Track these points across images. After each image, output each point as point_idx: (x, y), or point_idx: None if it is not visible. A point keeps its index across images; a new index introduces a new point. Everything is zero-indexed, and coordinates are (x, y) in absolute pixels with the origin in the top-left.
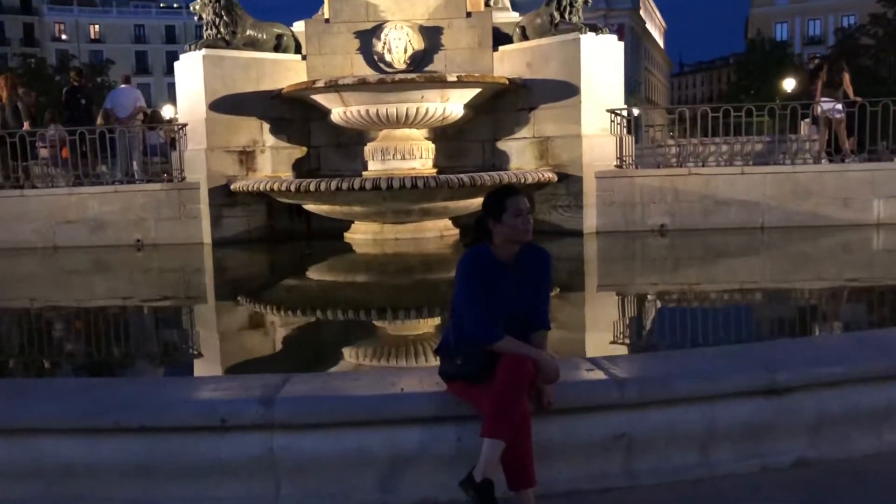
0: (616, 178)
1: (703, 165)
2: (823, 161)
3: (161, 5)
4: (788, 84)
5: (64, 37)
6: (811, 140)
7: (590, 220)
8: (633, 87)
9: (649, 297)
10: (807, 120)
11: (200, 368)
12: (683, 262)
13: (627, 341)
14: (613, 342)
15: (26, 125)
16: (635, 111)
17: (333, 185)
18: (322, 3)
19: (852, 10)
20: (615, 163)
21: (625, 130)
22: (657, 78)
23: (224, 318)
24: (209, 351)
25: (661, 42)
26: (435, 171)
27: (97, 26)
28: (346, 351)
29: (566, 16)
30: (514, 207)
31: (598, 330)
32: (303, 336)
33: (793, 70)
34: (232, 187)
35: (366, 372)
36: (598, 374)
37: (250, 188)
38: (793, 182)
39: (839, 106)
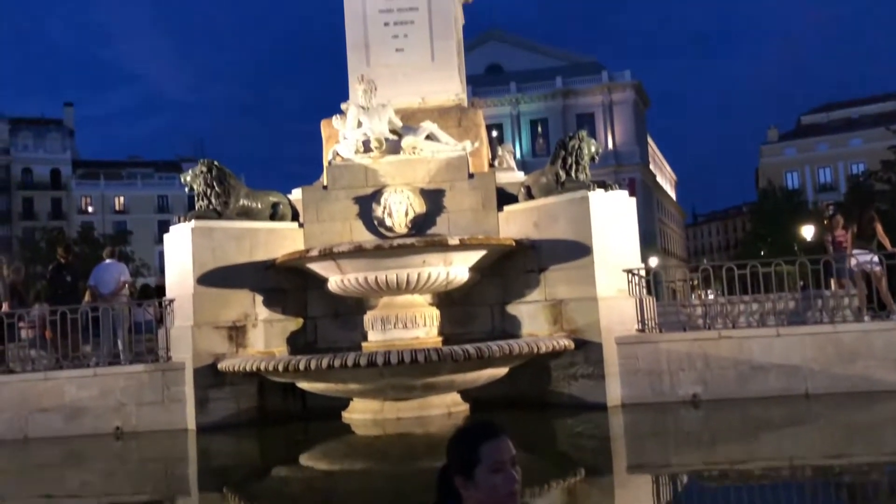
0: (639, 343)
1: (733, 327)
2: (867, 319)
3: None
4: (807, 231)
5: (90, 209)
6: (848, 295)
7: (613, 391)
8: (649, 240)
9: (687, 479)
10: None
11: None
12: (722, 436)
13: None
14: None
15: (5, 306)
16: (654, 261)
17: (325, 362)
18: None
19: (861, 158)
20: (637, 326)
21: (644, 291)
22: (672, 229)
23: None
24: None
25: (672, 194)
26: (440, 339)
27: (122, 198)
28: None
29: (573, 174)
30: (492, 459)
31: None
32: None
33: (808, 217)
34: (219, 367)
35: None
36: None
37: (238, 368)
38: (835, 343)
39: (876, 258)
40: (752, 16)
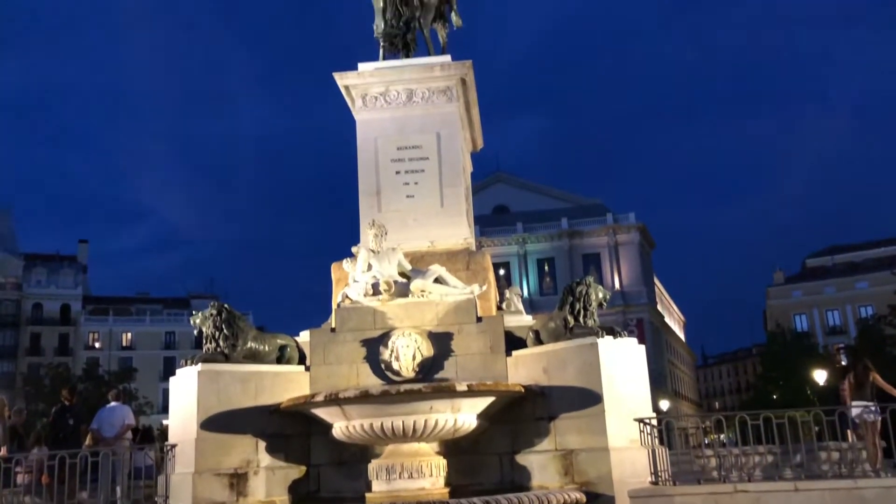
0: (653, 497)
1: (749, 480)
2: (889, 474)
3: (193, 312)
4: (819, 376)
5: (97, 345)
6: (854, 449)
7: None
8: (660, 382)
9: None
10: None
11: None
12: None
13: None
14: None
15: (4, 449)
16: (665, 404)
17: None
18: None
19: (869, 301)
20: (650, 479)
21: (657, 441)
22: (682, 370)
23: None
24: None
25: (681, 335)
26: (447, 491)
27: (129, 334)
28: None
29: (581, 319)
30: None
31: None
32: None
33: (819, 361)
34: None
35: None
36: None
37: None
38: (858, 499)
39: (873, 407)
40: (753, 161)
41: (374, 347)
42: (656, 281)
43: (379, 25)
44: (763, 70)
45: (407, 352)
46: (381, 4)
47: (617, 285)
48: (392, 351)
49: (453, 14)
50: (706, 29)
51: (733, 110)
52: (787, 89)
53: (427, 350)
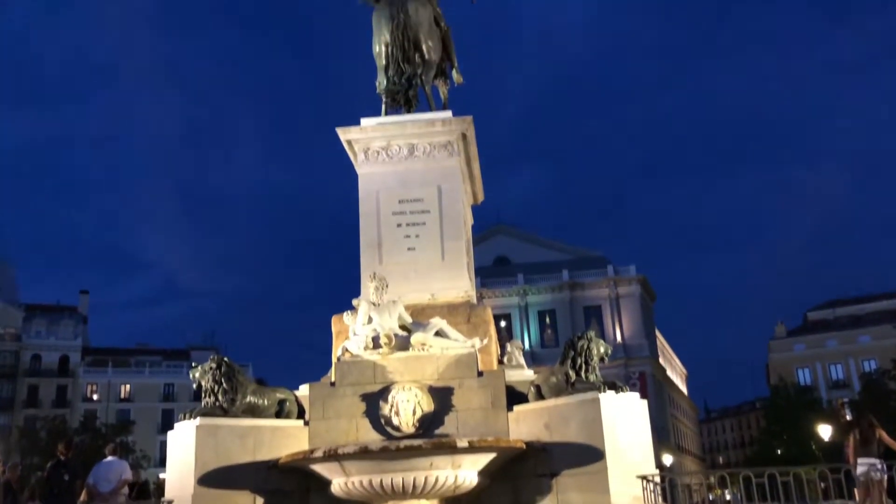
0: None
1: None
2: None
3: (192, 364)
4: (824, 431)
5: (95, 396)
6: None
7: None
8: (662, 436)
9: None
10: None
11: None
12: None
13: None
14: None
15: None
16: (668, 458)
17: None
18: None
19: (871, 355)
20: None
21: (660, 498)
22: (685, 424)
23: None
24: None
25: (683, 388)
26: None
27: (128, 386)
28: None
29: (582, 374)
30: None
31: None
32: None
33: (823, 416)
34: None
35: None
36: None
37: None
38: None
39: (878, 464)
40: (752, 214)
41: (373, 402)
42: (658, 333)
43: (381, 82)
44: (761, 125)
45: (407, 407)
46: (384, 62)
47: (618, 338)
48: (392, 406)
49: (454, 71)
50: (705, 85)
51: (732, 164)
52: (786, 143)
53: (427, 405)
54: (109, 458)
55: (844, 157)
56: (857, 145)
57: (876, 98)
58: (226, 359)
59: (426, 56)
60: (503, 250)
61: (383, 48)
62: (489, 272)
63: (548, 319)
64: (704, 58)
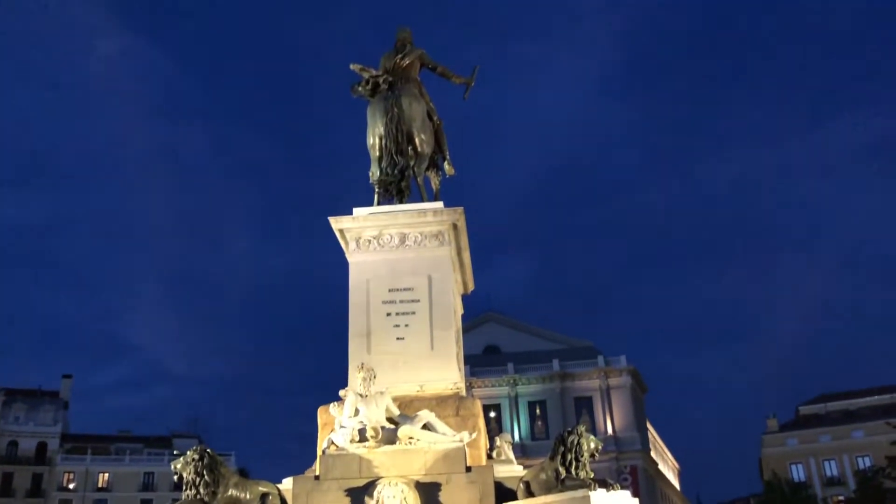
0: None
1: None
2: None
3: (175, 452)
4: None
5: (71, 486)
6: None
7: None
8: None
9: None
10: None
11: None
12: None
13: None
14: None
15: None
16: None
17: None
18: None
19: (866, 451)
20: None
21: None
22: None
23: None
24: None
25: (676, 483)
26: None
27: (106, 474)
28: None
29: (572, 470)
30: None
31: None
32: None
33: None
34: None
35: None
36: None
37: None
38: None
39: None
40: (743, 307)
41: (359, 497)
42: (649, 426)
43: (375, 173)
44: (748, 217)
45: (393, 502)
46: (378, 154)
47: (609, 430)
48: (378, 502)
49: (446, 163)
50: (694, 178)
51: (720, 255)
52: (772, 235)
53: (414, 501)
54: None
55: (831, 251)
56: (845, 240)
57: (862, 193)
58: (208, 450)
59: (419, 149)
60: (493, 338)
61: (377, 140)
62: (479, 361)
63: (538, 410)
64: (690, 150)
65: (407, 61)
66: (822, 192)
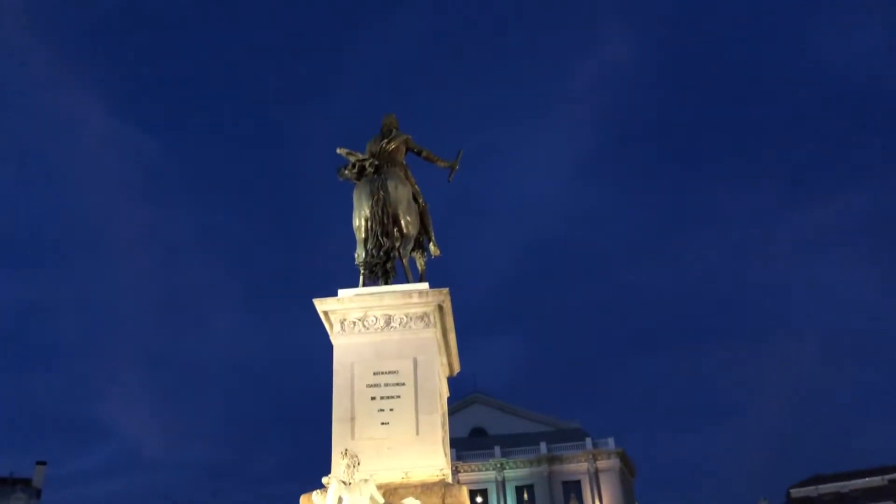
0: None
1: None
2: None
3: None
4: None
5: None
6: None
7: None
8: None
9: None
10: None
11: None
12: None
13: None
14: None
15: None
16: None
17: None
18: None
19: None
20: None
21: None
22: None
23: None
24: None
25: None
26: None
27: None
28: None
29: None
30: None
31: None
32: None
33: None
34: None
35: None
36: None
37: None
38: None
39: None
40: (729, 388)
41: None
42: None
43: (360, 254)
44: (733, 298)
45: None
46: (364, 235)
47: None
48: None
49: (431, 245)
50: (675, 258)
51: (708, 338)
52: (758, 316)
53: None
54: None
55: (816, 331)
56: (827, 323)
57: (845, 273)
58: None
59: (405, 230)
60: (479, 421)
61: (363, 222)
62: (465, 444)
63: (526, 496)
64: (674, 232)
65: (393, 145)
66: (804, 273)
